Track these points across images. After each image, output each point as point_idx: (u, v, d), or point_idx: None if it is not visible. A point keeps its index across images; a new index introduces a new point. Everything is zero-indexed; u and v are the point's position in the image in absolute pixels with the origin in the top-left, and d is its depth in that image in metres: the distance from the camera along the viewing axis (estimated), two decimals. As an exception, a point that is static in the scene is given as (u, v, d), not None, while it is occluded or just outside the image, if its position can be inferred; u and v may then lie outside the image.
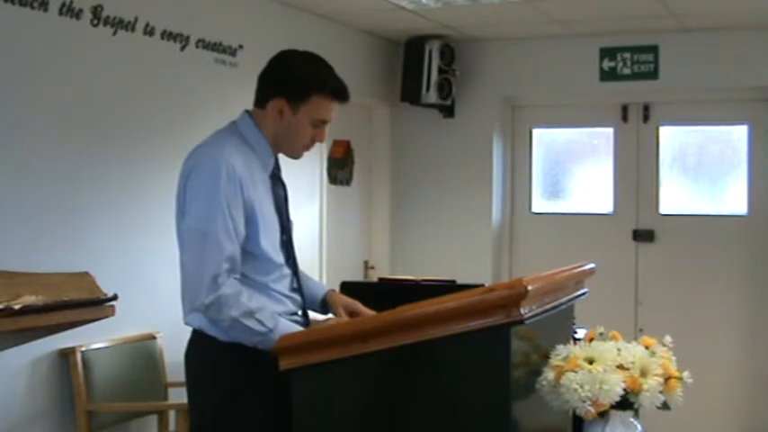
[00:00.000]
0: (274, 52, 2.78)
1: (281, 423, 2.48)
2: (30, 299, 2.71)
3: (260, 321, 2.51)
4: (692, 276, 6.19)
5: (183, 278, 2.61)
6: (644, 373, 2.27)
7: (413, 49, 6.24)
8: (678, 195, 6.37)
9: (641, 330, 5.90)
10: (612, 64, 6.22)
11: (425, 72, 6.17)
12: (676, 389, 2.31)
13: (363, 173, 6.49)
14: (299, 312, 2.74)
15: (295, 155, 2.79)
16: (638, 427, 2.33)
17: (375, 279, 6.02)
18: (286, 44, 2.93)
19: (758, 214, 6.08)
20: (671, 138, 6.34)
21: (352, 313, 2.82)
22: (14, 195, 3.73)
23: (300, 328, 2.63)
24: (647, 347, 2.38)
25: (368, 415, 2.34)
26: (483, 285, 2.42)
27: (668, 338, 2.45)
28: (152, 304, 4.26)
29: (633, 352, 2.32)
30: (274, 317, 2.56)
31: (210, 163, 2.56)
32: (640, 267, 6.33)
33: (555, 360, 2.32)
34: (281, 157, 2.79)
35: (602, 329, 2.50)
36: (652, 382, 2.26)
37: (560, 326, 2.66)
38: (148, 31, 4.35)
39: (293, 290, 2.73)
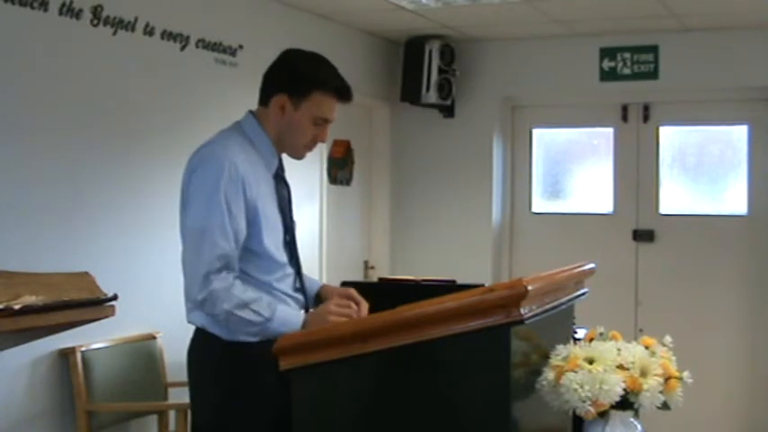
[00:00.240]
0: (274, 52, 2.79)
1: (282, 422, 2.48)
2: (30, 299, 2.71)
3: (255, 311, 2.53)
4: (692, 276, 6.19)
5: (183, 275, 2.62)
6: (644, 373, 2.26)
7: (413, 49, 6.24)
8: (678, 195, 6.37)
9: (641, 330, 5.89)
10: (612, 64, 6.22)
11: (425, 72, 6.17)
12: (676, 389, 2.31)
13: (363, 173, 6.49)
14: (302, 312, 2.74)
15: (297, 154, 2.79)
16: (638, 427, 2.33)
17: (375, 279, 6.02)
18: (286, 44, 2.93)
19: (758, 214, 6.08)
20: (671, 138, 6.34)
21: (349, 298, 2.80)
22: (14, 195, 3.73)
23: (300, 314, 2.65)
24: (647, 347, 2.37)
25: (368, 415, 2.33)
26: (483, 285, 2.41)
27: (668, 338, 2.44)
28: (152, 304, 4.27)
29: (633, 352, 2.31)
30: (271, 306, 2.56)
31: (214, 161, 2.57)
32: (640, 267, 6.33)
33: (555, 360, 2.32)
34: (284, 158, 2.79)
35: (602, 329, 2.50)
36: (652, 382, 2.25)
37: (560, 326, 2.66)
38: (148, 31, 4.35)
39: (296, 289, 2.74)
